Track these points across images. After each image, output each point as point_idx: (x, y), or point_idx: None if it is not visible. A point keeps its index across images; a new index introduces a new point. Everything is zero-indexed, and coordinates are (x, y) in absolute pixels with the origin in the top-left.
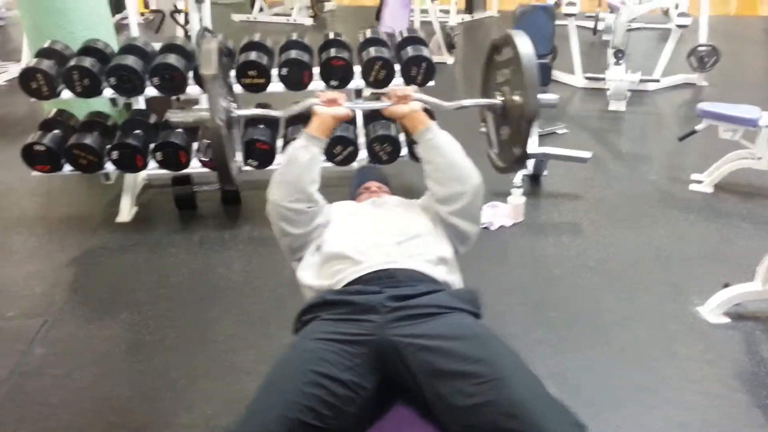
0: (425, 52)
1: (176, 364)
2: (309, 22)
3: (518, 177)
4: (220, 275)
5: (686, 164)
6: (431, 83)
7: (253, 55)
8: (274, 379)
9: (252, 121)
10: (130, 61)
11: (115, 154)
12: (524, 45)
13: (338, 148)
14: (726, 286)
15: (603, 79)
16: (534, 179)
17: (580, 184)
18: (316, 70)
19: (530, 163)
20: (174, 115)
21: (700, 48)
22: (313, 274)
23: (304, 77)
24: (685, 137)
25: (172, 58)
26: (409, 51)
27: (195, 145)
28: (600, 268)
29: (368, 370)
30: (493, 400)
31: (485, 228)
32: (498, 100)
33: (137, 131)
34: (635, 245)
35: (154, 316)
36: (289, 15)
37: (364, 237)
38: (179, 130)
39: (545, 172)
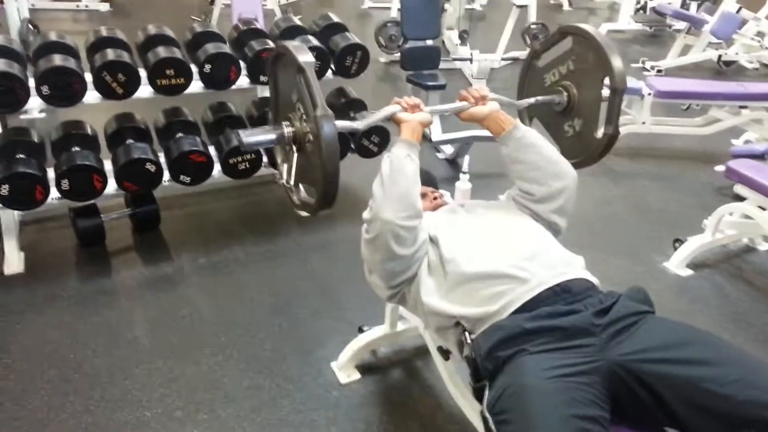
0: (355, 39)
1: None
2: (105, 8)
3: (465, 163)
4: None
5: None
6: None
7: (166, 51)
8: (548, 426)
9: (169, 129)
10: None
11: (5, 189)
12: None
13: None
14: (677, 241)
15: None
16: (452, 163)
17: (496, 163)
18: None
19: (449, 149)
20: (251, 136)
21: (533, 26)
22: (457, 300)
23: (231, 73)
24: None
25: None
26: (339, 40)
27: (107, 164)
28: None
29: (604, 400)
30: (750, 395)
31: None
32: (563, 96)
33: (22, 155)
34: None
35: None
36: (79, 1)
37: (506, 250)
38: (85, 150)
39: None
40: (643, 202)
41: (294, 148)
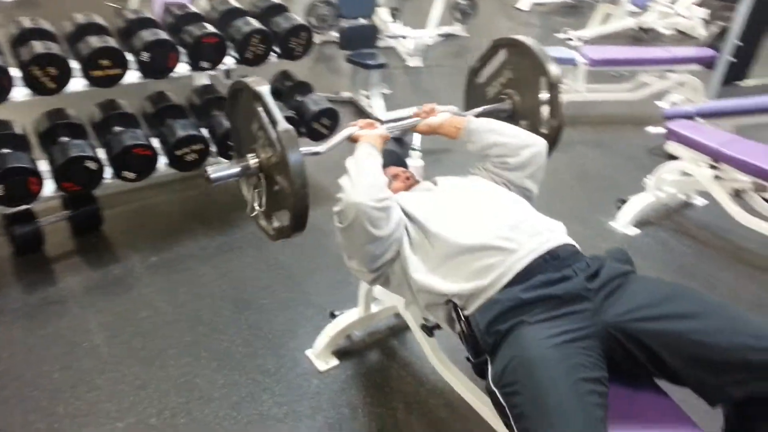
0: (299, 20)
1: None
2: None
3: (416, 140)
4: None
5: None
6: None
7: (100, 41)
8: (558, 393)
9: (107, 123)
10: None
11: None
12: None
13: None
14: (620, 201)
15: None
16: (399, 141)
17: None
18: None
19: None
20: (217, 171)
21: (461, 2)
22: (448, 275)
23: (170, 61)
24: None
25: None
26: (282, 21)
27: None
28: None
29: (602, 360)
30: (735, 341)
31: None
32: (507, 104)
33: None
34: None
35: None
36: None
37: (489, 221)
38: (17, 152)
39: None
40: (585, 167)
41: (261, 176)
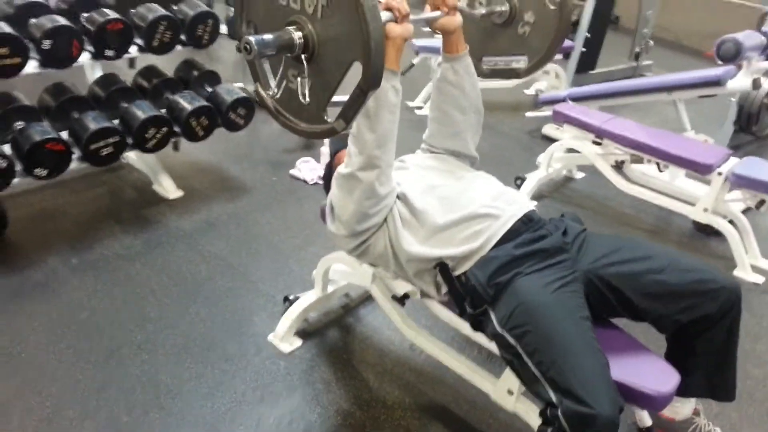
0: (204, 7)
1: None
2: None
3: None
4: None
5: (408, 94)
6: None
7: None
8: (565, 331)
9: (6, 118)
10: None
11: None
12: None
13: (152, 130)
14: (519, 179)
15: None
16: None
17: None
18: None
19: None
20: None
21: None
22: (440, 244)
23: (74, 49)
24: (406, 71)
25: None
26: (187, 9)
27: None
28: None
29: (585, 301)
30: (679, 277)
31: (305, 183)
32: (504, 5)
33: None
34: None
35: None
36: None
37: (473, 195)
38: None
39: None
40: (479, 149)
41: (304, 58)
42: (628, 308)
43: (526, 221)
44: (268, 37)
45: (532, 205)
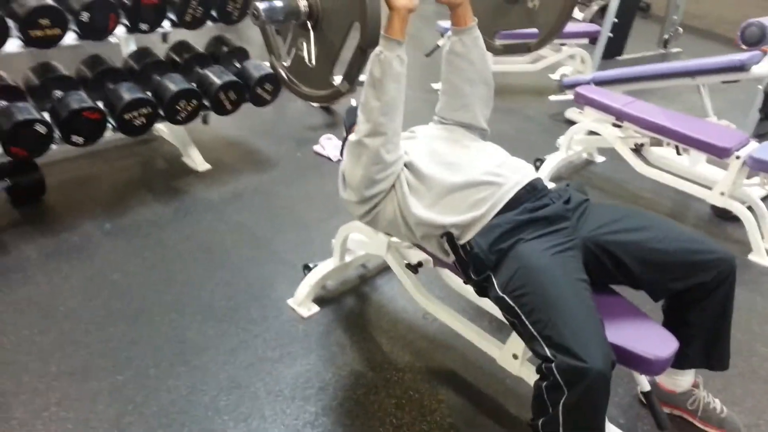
0: None
1: None
2: None
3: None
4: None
5: (433, 75)
6: None
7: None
8: (561, 291)
9: (45, 87)
10: None
11: None
12: None
13: (182, 103)
14: (538, 160)
15: None
16: (326, 110)
17: None
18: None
19: None
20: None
21: None
22: (445, 210)
23: (110, 22)
24: (431, 53)
25: None
26: None
27: None
28: None
29: (583, 266)
30: (677, 246)
31: (329, 159)
32: None
33: None
34: None
35: None
36: None
37: (477, 162)
38: None
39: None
40: (502, 131)
41: (309, 24)
42: (625, 275)
43: (530, 189)
44: (276, 4)
45: (536, 174)
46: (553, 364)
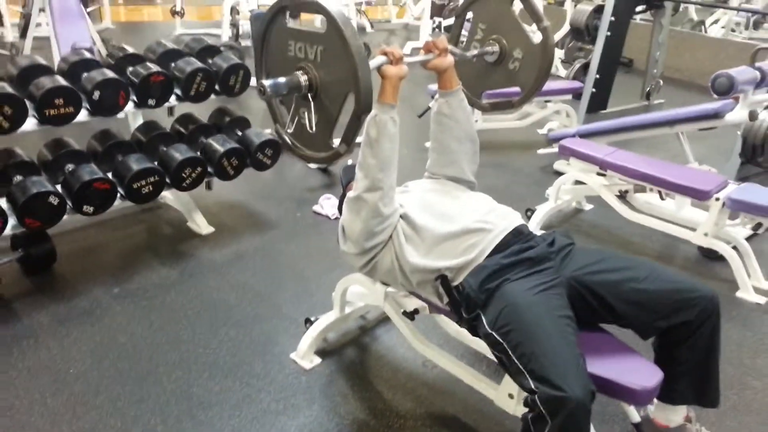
0: (235, 59)
1: None
2: None
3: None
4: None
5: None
6: None
7: (51, 81)
8: (542, 325)
9: (58, 161)
10: None
11: None
12: None
13: (187, 170)
14: (529, 210)
15: None
16: (324, 171)
17: None
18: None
19: None
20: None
21: None
22: (440, 256)
23: (120, 99)
24: (423, 114)
25: None
26: (220, 61)
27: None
28: None
29: (568, 304)
30: (659, 286)
31: (328, 218)
32: (495, 47)
33: None
34: None
35: None
36: None
37: (468, 212)
38: None
39: None
40: (492, 184)
41: (310, 96)
42: (611, 314)
43: (516, 234)
44: (280, 80)
45: (521, 221)
46: (536, 396)
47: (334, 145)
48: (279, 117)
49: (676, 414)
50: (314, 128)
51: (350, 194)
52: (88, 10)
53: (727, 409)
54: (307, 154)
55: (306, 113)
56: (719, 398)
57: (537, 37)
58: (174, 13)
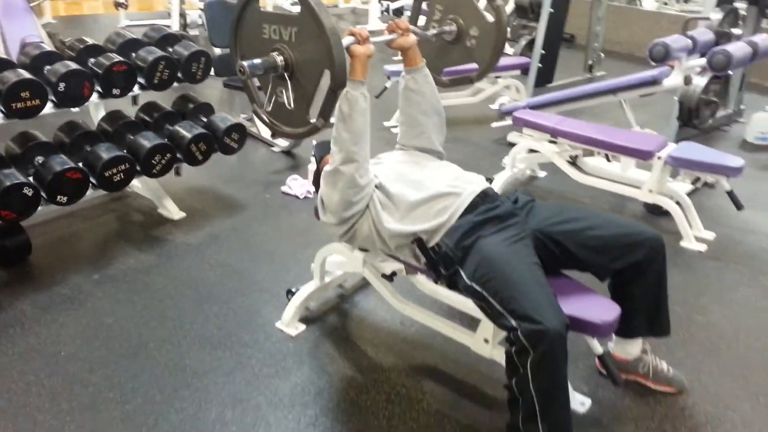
0: (196, 46)
1: None
2: None
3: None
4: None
5: (384, 114)
6: None
7: (15, 74)
8: (518, 272)
9: (27, 154)
10: None
11: None
12: None
13: (157, 157)
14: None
15: None
16: (288, 154)
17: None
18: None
19: (283, 142)
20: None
21: None
22: (415, 221)
23: (85, 90)
24: (380, 94)
25: None
26: (181, 49)
27: None
28: None
29: (535, 253)
30: (612, 231)
31: (296, 197)
32: (452, 26)
33: None
34: None
35: None
36: None
37: (438, 178)
38: None
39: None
40: (453, 158)
41: (287, 75)
42: (572, 260)
43: (483, 196)
44: (257, 61)
45: (487, 185)
46: (518, 331)
47: (311, 120)
48: (256, 98)
49: (634, 347)
50: (292, 105)
51: (327, 168)
52: (31, 5)
53: (676, 342)
54: (286, 131)
55: (284, 92)
56: (670, 328)
57: (491, 15)
58: (118, 4)
